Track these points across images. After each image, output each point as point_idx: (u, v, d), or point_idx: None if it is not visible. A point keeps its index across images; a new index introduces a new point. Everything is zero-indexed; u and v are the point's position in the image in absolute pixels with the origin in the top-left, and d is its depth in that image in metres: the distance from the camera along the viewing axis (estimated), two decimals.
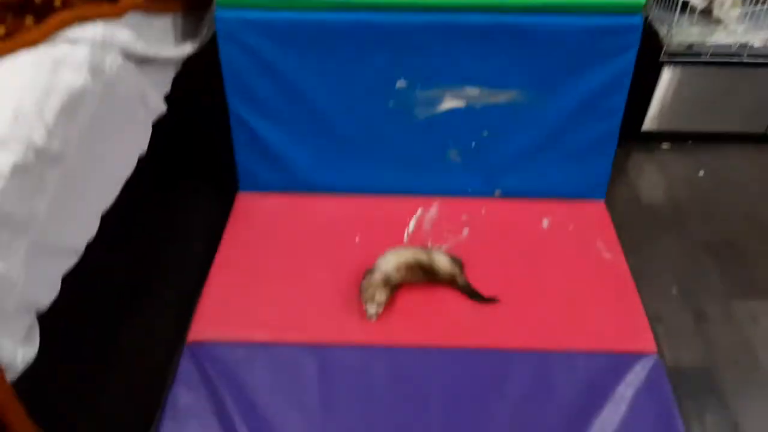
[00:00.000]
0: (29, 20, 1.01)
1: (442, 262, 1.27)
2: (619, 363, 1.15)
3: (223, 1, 1.32)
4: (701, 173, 1.79)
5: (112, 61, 1.07)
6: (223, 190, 1.51)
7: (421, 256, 1.27)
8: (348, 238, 1.38)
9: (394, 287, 1.23)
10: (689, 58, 1.73)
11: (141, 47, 1.15)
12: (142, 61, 1.18)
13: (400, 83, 1.42)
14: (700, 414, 1.16)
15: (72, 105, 0.95)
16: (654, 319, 1.31)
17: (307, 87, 1.40)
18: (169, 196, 1.57)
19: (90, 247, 1.02)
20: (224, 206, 1.45)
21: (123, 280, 1.36)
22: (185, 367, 1.09)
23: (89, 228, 1.02)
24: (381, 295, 1.20)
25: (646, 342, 1.19)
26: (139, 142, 1.19)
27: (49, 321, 0.93)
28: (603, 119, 1.47)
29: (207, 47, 1.41)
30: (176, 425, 1.02)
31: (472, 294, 1.26)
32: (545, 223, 1.46)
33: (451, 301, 1.25)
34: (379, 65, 1.39)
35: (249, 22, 1.33)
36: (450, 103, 1.45)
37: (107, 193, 1.08)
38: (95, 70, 1.02)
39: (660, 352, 1.19)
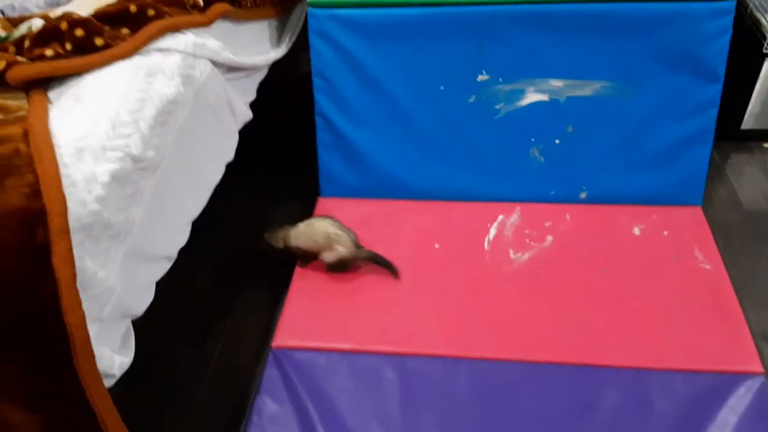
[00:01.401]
0: (125, 31, 1.05)
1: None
2: (721, 384, 1.07)
3: (313, 1, 1.37)
4: None
5: (202, 69, 1.09)
6: (304, 196, 1.53)
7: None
8: (428, 245, 1.36)
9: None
10: None
11: (229, 55, 1.17)
12: (230, 69, 1.20)
13: (482, 76, 1.39)
14: None
15: (165, 113, 0.97)
16: (759, 336, 1.21)
17: (391, 83, 1.41)
18: (252, 201, 1.60)
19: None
20: (306, 211, 1.47)
21: (210, 285, 1.40)
22: (270, 373, 1.11)
23: (181, 235, 1.05)
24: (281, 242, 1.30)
25: (752, 361, 1.11)
26: (227, 149, 1.21)
27: (140, 326, 0.96)
28: (697, 114, 1.39)
29: (289, 55, 1.42)
30: None
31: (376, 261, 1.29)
32: (637, 230, 1.38)
33: (537, 313, 1.20)
34: (462, 58, 1.38)
35: (338, 17, 1.37)
36: (533, 96, 1.41)
37: (198, 200, 1.10)
38: (186, 78, 1.04)
39: (766, 372, 1.10)
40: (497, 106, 1.42)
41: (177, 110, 1.00)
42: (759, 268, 1.39)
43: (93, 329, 0.79)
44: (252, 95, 1.34)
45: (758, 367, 1.09)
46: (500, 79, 1.40)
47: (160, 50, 1.04)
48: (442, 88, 1.42)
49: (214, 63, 1.13)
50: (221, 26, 1.18)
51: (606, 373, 1.10)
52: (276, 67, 1.40)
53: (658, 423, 1.04)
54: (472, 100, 1.42)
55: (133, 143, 0.89)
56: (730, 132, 1.73)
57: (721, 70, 1.34)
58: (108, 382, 0.82)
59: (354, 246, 1.28)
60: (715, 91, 1.37)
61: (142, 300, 0.93)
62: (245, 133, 1.28)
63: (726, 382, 1.07)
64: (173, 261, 1.01)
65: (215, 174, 1.16)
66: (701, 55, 1.33)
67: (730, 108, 1.62)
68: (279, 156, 1.72)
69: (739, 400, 1.05)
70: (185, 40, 1.07)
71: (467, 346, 1.16)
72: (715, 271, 1.28)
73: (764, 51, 1.60)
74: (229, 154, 1.21)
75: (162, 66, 1.02)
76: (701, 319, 1.18)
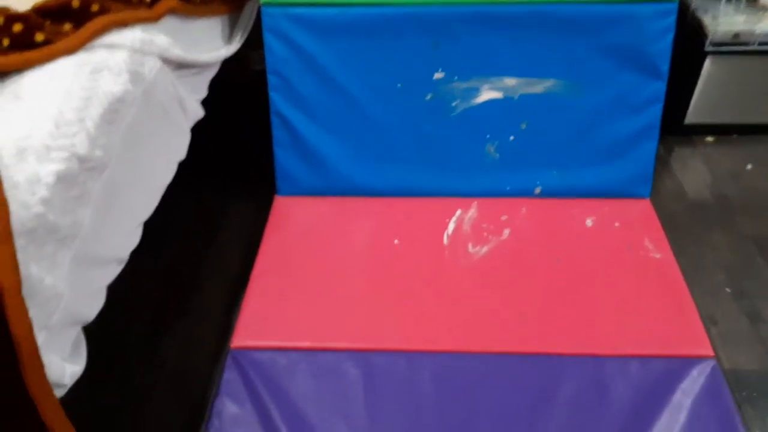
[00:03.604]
0: (67, 26, 1.00)
1: None
2: (675, 368, 1.11)
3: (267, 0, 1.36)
4: (749, 167, 1.72)
5: (151, 66, 1.05)
6: (259, 194, 1.50)
7: None
8: (387, 241, 1.35)
9: None
10: (735, 47, 1.67)
11: (178, 52, 1.13)
12: (180, 66, 1.17)
13: (438, 74, 1.41)
14: (762, 420, 1.11)
15: (113, 112, 0.93)
16: (708, 321, 1.26)
17: (347, 81, 1.41)
18: (206, 200, 1.56)
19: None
20: (262, 210, 1.44)
21: (163, 287, 1.35)
22: (229, 375, 1.08)
23: (132, 236, 1.01)
24: None
25: (703, 345, 1.15)
26: (179, 148, 1.17)
27: (92, 331, 0.92)
28: (643, 110, 1.44)
29: (241, 52, 1.40)
30: None
31: None
32: (589, 222, 1.42)
33: (497, 305, 1.22)
34: (418, 56, 1.39)
35: (293, 16, 1.36)
36: (487, 94, 1.43)
37: (149, 201, 1.06)
38: (134, 75, 1.00)
39: (716, 356, 1.14)
40: (453, 104, 1.43)
41: (125, 108, 0.97)
42: (705, 255, 1.44)
43: (41, 338, 0.75)
44: (203, 92, 1.31)
45: (709, 351, 1.13)
46: (456, 77, 1.42)
47: (106, 46, 1.00)
48: (399, 85, 1.42)
49: (164, 60, 1.10)
50: (170, 22, 1.15)
51: (565, 361, 1.12)
52: (228, 63, 1.37)
53: (616, 407, 1.06)
54: (428, 98, 1.43)
55: (79, 142, 0.85)
56: (674, 127, 1.80)
57: (665, 67, 1.40)
58: (59, 393, 0.78)
59: None
60: (660, 87, 1.42)
61: (92, 305, 0.89)
62: (198, 131, 1.25)
63: (679, 366, 1.11)
64: (124, 263, 0.98)
65: (167, 173, 1.13)
66: (646, 53, 1.38)
67: (674, 104, 1.68)
68: (233, 154, 1.69)
69: (693, 382, 1.08)
70: (132, 35, 1.03)
71: (429, 340, 1.16)
72: (665, 260, 1.32)
73: (706, 49, 1.67)
74: (181, 153, 1.18)
75: (108, 63, 0.98)
76: (654, 307, 1.21)
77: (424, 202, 1.46)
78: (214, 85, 1.35)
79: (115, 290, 0.96)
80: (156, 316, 1.29)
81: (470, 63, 1.40)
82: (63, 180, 0.81)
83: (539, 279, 1.27)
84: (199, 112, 1.25)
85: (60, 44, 0.96)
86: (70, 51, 0.97)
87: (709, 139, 1.82)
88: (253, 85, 1.53)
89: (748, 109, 1.79)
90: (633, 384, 1.08)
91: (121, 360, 1.20)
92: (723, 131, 1.83)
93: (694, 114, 1.81)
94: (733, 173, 1.69)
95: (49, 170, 0.80)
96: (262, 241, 1.35)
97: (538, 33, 1.37)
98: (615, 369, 1.11)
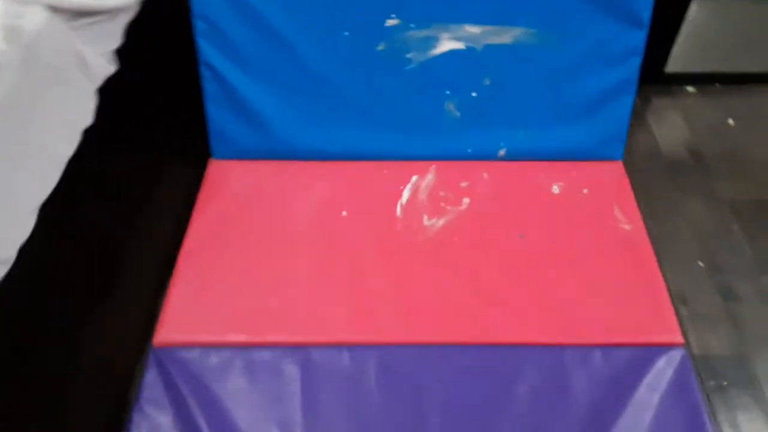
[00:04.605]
0: None
1: None
2: (641, 357, 1.02)
3: None
4: (731, 121, 1.60)
5: (34, 18, 0.87)
6: (193, 158, 1.33)
7: None
8: (334, 213, 1.22)
9: None
10: None
11: None
12: (78, 14, 0.97)
13: (391, 21, 1.23)
14: (731, 409, 1.05)
15: None
16: (678, 300, 1.18)
17: (287, 28, 1.23)
18: (132, 167, 1.39)
19: (32, 242, 0.86)
20: (196, 176, 1.28)
21: (76, 276, 1.20)
22: (151, 377, 0.96)
23: (21, 228, 0.85)
24: None
25: (672, 332, 1.06)
26: (81, 113, 1.00)
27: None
28: (620, 62, 1.29)
29: None
30: None
31: None
32: (556, 188, 1.30)
33: (451, 289, 1.11)
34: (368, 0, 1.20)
35: None
36: (447, 44, 1.26)
37: (43, 182, 0.90)
38: (10, 31, 0.82)
39: (686, 340, 1.06)
40: (408, 55, 1.27)
41: None
42: (678, 223, 1.35)
43: None
44: (116, 42, 1.10)
45: (678, 338, 1.05)
46: (412, 25, 1.24)
47: None
48: (346, 33, 1.24)
49: (53, 9, 0.91)
50: None
51: (524, 351, 1.03)
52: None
53: (577, 403, 0.98)
54: (380, 48, 1.26)
55: None
56: (653, 75, 1.66)
57: (647, 15, 1.24)
58: None
59: None
60: (640, 37, 1.27)
61: None
62: (118, 85, 1.07)
63: (646, 355, 1.02)
64: (11, 262, 0.83)
65: (66, 145, 0.96)
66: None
67: (654, 50, 1.53)
68: (163, 112, 1.50)
69: (659, 374, 1.00)
70: None
71: (376, 331, 1.05)
72: (635, 232, 1.21)
73: None
74: (85, 119, 1.00)
75: None
76: (621, 288, 1.12)
77: (376, 166, 1.32)
78: (133, 29, 1.16)
79: (23, 272, 0.82)
80: (75, 302, 1.15)
81: (428, 7, 1.23)
82: None
83: (498, 258, 1.16)
84: (107, 68, 1.07)
85: None
86: None
87: (690, 89, 1.69)
88: (183, 27, 1.33)
89: (734, 57, 1.67)
90: (595, 377, 1.00)
91: (34, 350, 1.08)
92: (705, 80, 1.71)
93: (675, 62, 1.67)
94: (713, 129, 1.58)
95: None
96: (193, 215, 1.20)
97: None
98: (576, 360, 1.02)
